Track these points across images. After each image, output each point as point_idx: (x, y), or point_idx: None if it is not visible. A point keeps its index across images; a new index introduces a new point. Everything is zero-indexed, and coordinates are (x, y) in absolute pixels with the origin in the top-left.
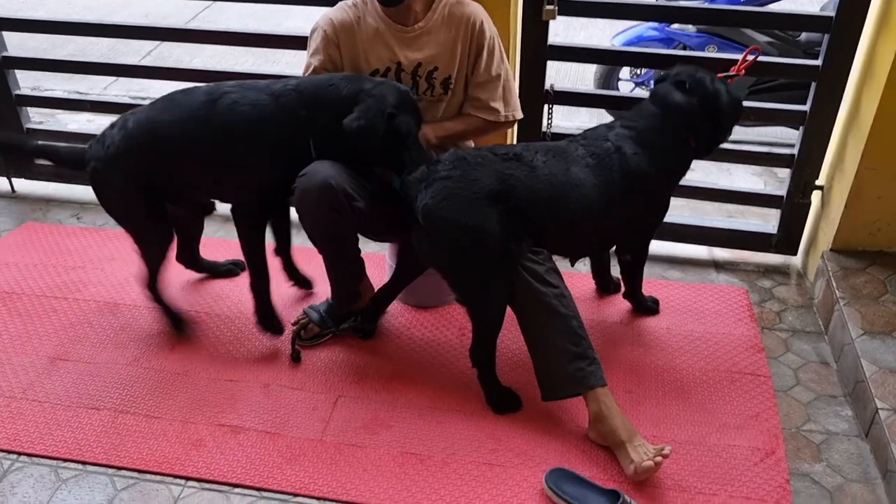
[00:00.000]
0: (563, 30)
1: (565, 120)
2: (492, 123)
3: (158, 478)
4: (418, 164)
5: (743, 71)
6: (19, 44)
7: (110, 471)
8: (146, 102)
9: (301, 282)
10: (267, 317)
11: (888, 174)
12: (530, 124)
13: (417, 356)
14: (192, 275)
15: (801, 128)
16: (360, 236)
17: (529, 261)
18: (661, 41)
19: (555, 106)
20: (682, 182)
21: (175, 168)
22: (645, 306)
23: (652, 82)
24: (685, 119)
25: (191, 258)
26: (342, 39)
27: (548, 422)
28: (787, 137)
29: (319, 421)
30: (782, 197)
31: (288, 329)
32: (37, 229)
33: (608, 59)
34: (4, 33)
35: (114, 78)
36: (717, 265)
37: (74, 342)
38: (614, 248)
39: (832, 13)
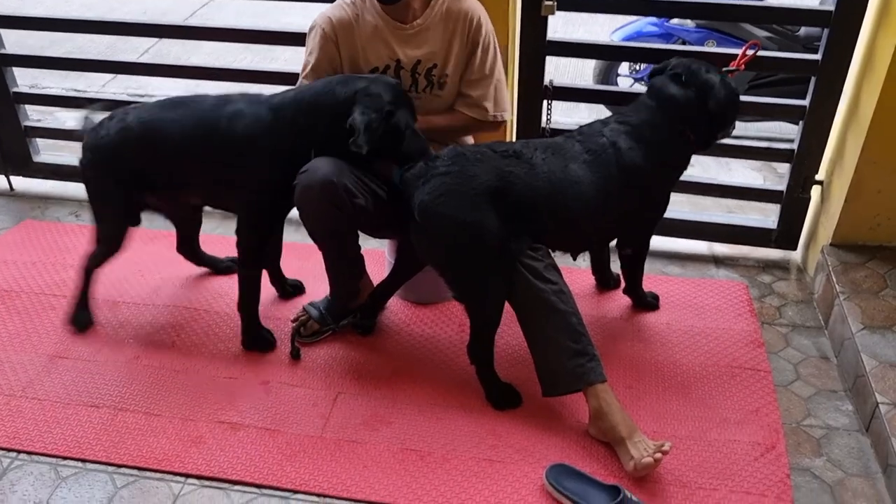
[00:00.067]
0: (563, 26)
1: (564, 116)
2: (479, 122)
3: (158, 475)
4: (417, 154)
5: (742, 66)
6: (17, 41)
7: (110, 468)
8: (144, 100)
9: (289, 292)
10: (253, 339)
11: (888, 168)
12: (529, 120)
13: (417, 353)
14: (193, 272)
15: (800, 122)
16: (359, 233)
17: (528, 257)
18: (661, 36)
19: (554, 101)
20: (682, 177)
21: (173, 167)
22: (645, 302)
23: (648, 76)
24: (681, 112)
25: (191, 251)
26: (341, 37)
27: (548, 418)
28: (787, 132)
29: (319, 417)
30: (782, 192)
31: (287, 326)
32: (35, 227)
33: (607, 55)
34: (2, 31)
35: (112, 75)
36: (717, 260)
37: (73, 340)
38: (615, 242)
39: (831, 7)
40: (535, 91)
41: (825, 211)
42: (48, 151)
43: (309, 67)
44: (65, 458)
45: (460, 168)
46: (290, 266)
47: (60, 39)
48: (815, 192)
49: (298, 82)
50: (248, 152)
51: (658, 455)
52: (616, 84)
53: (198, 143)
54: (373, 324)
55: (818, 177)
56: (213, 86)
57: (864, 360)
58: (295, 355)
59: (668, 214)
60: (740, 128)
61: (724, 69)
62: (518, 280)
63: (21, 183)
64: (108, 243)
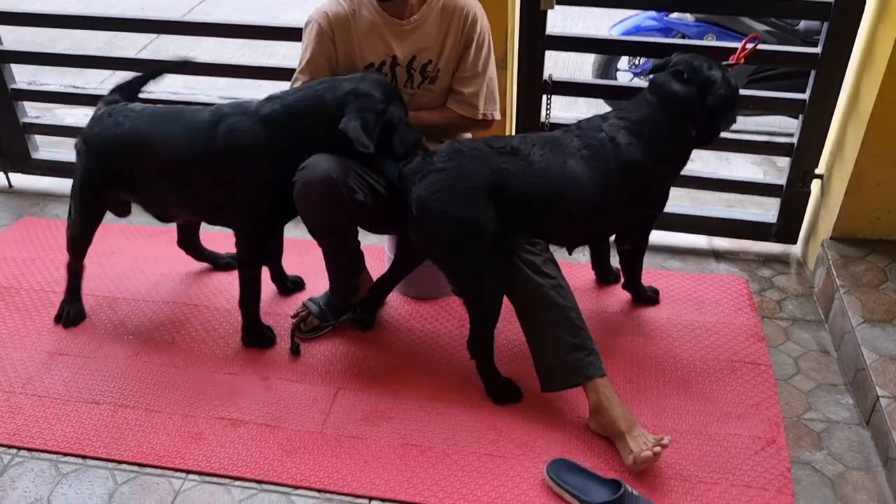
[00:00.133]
0: (562, 20)
1: (564, 111)
2: (468, 120)
3: (159, 471)
4: (412, 145)
5: (742, 59)
6: (16, 38)
7: (111, 465)
8: (143, 96)
9: (289, 288)
10: (253, 336)
11: (888, 161)
12: (529, 115)
13: (417, 348)
14: (193, 268)
15: (800, 116)
16: (359, 229)
17: (527, 252)
18: (660, 31)
19: (553, 96)
20: (682, 172)
21: (160, 184)
22: (645, 296)
23: (649, 71)
24: (683, 108)
25: (191, 245)
26: (337, 33)
27: (548, 412)
28: (786, 127)
29: (320, 413)
30: (782, 186)
31: (287, 322)
32: (34, 224)
33: (606, 49)
34: (0, 27)
35: (110, 72)
36: (717, 255)
37: (73, 337)
38: (614, 238)
39: (831, 0)
40: (534, 86)
41: (825, 205)
42: (47, 148)
43: (304, 63)
44: (65, 454)
45: (456, 164)
46: (290, 262)
47: (58, 36)
48: (815, 185)
49: (294, 77)
50: (242, 170)
51: (657, 449)
52: (615, 79)
53: (189, 165)
54: (373, 319)
55: (818, 170)
56: (212, 82)
57: (865, 354)
58: (295, 351)
59: (667, 209)
60: (740, 122)
61: (724, 63)
62: (516, 275)
63: (20, 180)
64: (84, 229)
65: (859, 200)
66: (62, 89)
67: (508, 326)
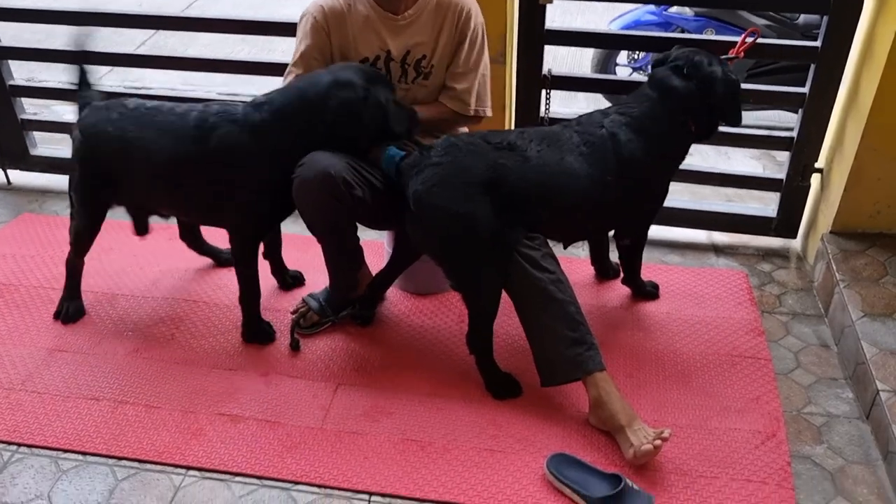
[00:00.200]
0: (560, 15)
1: (563, 106)
2: (459, 115)
3: (159, 467)
4: (407, 123)
5: (742, 53)
6: (13, 34)
7: (111, 461)
8: (142, 92)
9: (289, 283)
10: (253, 333)
11: (888, 155)
12: (528, 110)
13: (417, 343)
14: (192, 265)
15: (799, 110)
16: (358, 225)
17: (525, 247)
18: (659, 25)
19: (552, 91)
20: (682, 166)
21: (146, 188)
22: (644, 291)
23: (650, 66)
24: (683, 104)
25: (193, 239)
26: (332, 27)
27: (548, 407)
28: (786, 121)
29: (319, 409)
30: (781, 180)
31: (287, 318)
32: (33, 221)
33: (606, 44)
34: None
35: (109, 68)
36: (717, 249)
37: (72, 333)
38: (613, 233)
39: None
40: (533, 80)
41: (825, 199)
42: (45, 145)
43: (298, 56)
44: (65, 450)
45: (453, 159)
46: (289, 257)
47: (56, 32)
48: (815, 179)
49: (287, 70)
50: (233, 181)
51: (658, 442)
52: (614, 73)
53: (176, 171)
54: (372, 314)
55: (818, 165)
56: (210, 78)
57: (865, 348)
58: (295, 347)
59: (667, 203)
60: None
61: (724, 57)
62: (515, 269)
63: (18, 176)
64: (73, 229)
65: (859, 194)
66: (60, 85)
67: (508, 321)
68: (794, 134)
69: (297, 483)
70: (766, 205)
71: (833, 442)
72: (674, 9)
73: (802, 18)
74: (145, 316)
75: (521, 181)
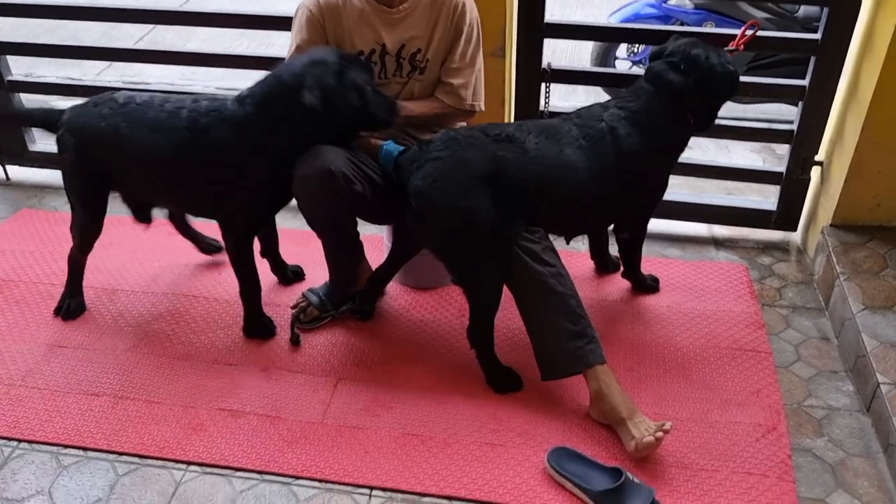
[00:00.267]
0: (560, 8)
1: (562, 100)
2: (455, 110)
3: (160, 462)
4: (386, 111)
5: (742, 46)
6: (11, 29)
7: (111, 456)
8: (139, 88)
9: (289, 278)
10: (254, 328)
11: (888, 148)
12: (527, 103)
13: (417, 337)
14: (192, 260)
15: (800, 103)
16: (358, 220)
17: (526, 240)
18: (659, 18)
19: (552, 84)
20: (681, 160)
21: (139, 183)
22: (644, 284)
23: (647, 59)
24: (681, 98)
25: (180, 220)
26: (327, 20)
27: (549, 401)
28: (786, 115)
29: (320, 404)
30: (781, 173)
31: (287, 313)
32: (32, 216)
33: (605, 37)
34: None
35: (107, 63)
36: (717, 242)
37: (72, 329)
38: (612, 227)
39: None
40: (533, 74)
41: (825, 192)
42: (44, 140)
43: (294, 49)
44: (66, 446)
45: (452, 152)
46: (289, 252)
47: (54, 27)
48: (815, 172)
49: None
50: (230, 176)
51: (659, 434)
52: (614, 66)
53: (168, 168)
54: (372, 309)
55: (818, 157)
56: (209, 72)
57: (865, 341)
58: (295, 342)
59: (667, 197)
60: (739, 110)
61: (724, 49)
62: (516, 263)
63: (17, 172)
64: (76, 228)
65: (859, 187)
66: (59, 81)
67: (508, 315)
68: (794, 127)
69: (297, 477)
70: (766, 198)
71: (833, 435)
72: (673, 1)
73: (802, 11)
74: (145, 311)
75: (520, 173)
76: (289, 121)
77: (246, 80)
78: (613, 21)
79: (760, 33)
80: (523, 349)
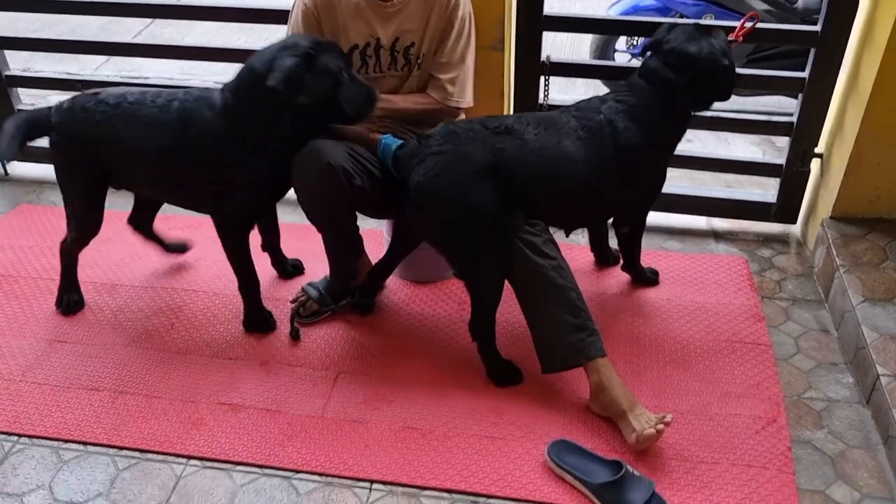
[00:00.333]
0: (559, 1)
1: (561, 93)
2: (439, 106)
3: (160, 457)
4: (363, 100)
5: (741, 38)
6: (9, 24)
7: (112, 451)
8: (138, 82)
9: (290, 272)
10: (254, 322)
11: (888, 140)
12: (526, 96)
13: (417, 331)
14: (191, 254)
15: (799, 95)
16: (357, 214)
17: (526, 233)
18: (658, 10)
19: (551, 77)
20: (681, 152)
21: (133, 176)
22: (644, 277)
23: (642, 46)
24: (678, 93)
25: (143, 223)
26: (322, 14)
27: (549, 394)
28: (786, 107)
29: (320, 397)
30: (781, 165)
31: (287, 307)
32: (31, 212)
33: (604, 29)
34: None
35: (105, 58)
36: (717, 235)
37: (72, 324)
38: (612, 220)
39: None
40: (532, 67)
41: (825, 184)
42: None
43: None
44: (66, 441)
45: (453, 146)
46: (289, 246)
47: (52, 22)
48: (815, 165)
49: None
50: (215, 164)
51: (660, 426)
52: (613, 59)
53: (160, 165)
54: (372, 303)
55: (818, 150)
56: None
57: (865, 333)
58: (294, 336)
59: (666, 189)
60: (739, 102)
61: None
62: (516, 255)
63: (16, 168)
64: (74, 226)
65: (859, 179)
66: (57, 76)
67: (508, 308)
68: (794, 119)
69: (298, 471)
70: (765, 190)
71: (833, 426)
72: None
73: (802, 2)
74: (145, 306)
75: (519, 164)
76: (263, 108)
77: None
78: (613, 13)
79: (760, 25)
80: (523, 342)
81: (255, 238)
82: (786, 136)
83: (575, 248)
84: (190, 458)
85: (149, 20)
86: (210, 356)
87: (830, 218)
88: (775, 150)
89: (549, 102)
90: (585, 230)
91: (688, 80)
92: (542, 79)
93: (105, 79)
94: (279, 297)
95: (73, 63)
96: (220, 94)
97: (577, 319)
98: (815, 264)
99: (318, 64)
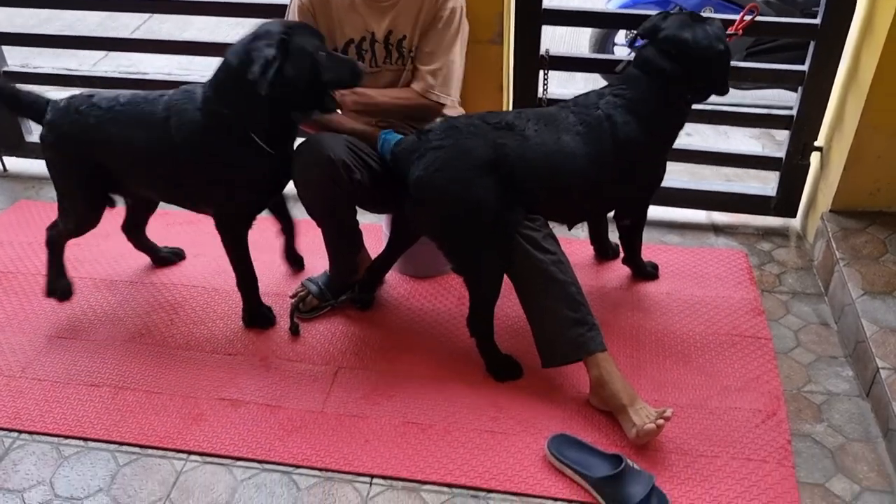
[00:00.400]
0: None
1: (561, 86)
2: (420, 100)
3: (160, 452)
4: (347, 77)
5: (741, 31)
6: (7, 19)
7: (112, 446)
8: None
9: (296, 263)
10: (254, 317)
11: (888, 133)
12: (526, 90)
13: (417, 326)
14: (192, 250)
15: (799, 88)
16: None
17: (526, 228)
18: (658, 3)
19: (550, 71)
20: (680, 146)
21: (128, 176)
22: (644, 271)
23: (638, 38)
24: (675, 84)
25: (136, 231)
26: (318, 9)
27: (549, 388)
28: (785, 100)
29: (320, 392)
30: (781, 159)
31: (286, 302)
32: (30, 208)
33: (604, 23)
34: None
35: (104, 53)
36: (717, 229)
37: (72, 320)
38: (612, 213)
39: None
40: (531, 61)
41: (824, 177)
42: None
43: None
44: (66, 437)
45: (454, 141)
46: None
47: (50, 17)
48: (815, 158)
49: None
50: (209, 166)
51: (660, 421)
52: (613, 53)
53: (152, 162)
54: (371, 298)
55: (817, 143)
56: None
57: (865, 326)
58: (294, 331)
59: (666, 183)
60: (738, 95)
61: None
62: (516, 250)
63: (14, 163)
64: (72, 220)
65: (859, 172)
66: (55, 71)
67: (508, 303)
68: (794, 112)
69: (298, 466)
70: (765, 184)
71: (833, 420)
72: None
73: None
74: (144, 302)
75: (520, 160)
76: (242, 100)
77: None
78: (612, 7)
79: (759, 18)
80: (523, 337)
81: (254, 235)
82: (785, 129)
83: (575, 242)
84: (190, 453)
85: (147, 15)
86: (210, 352)
87: (830, 211)
88: (775, 143)
89: (549, 96)
90: (585, 224)
91: (682, 69)
92: (541, 73)
93: (103, 74)
94: (279, 292)
95: (72, 59)
96: (202, 88)
97: (577, 314)
98: (815, 258)
99: (293, 45)
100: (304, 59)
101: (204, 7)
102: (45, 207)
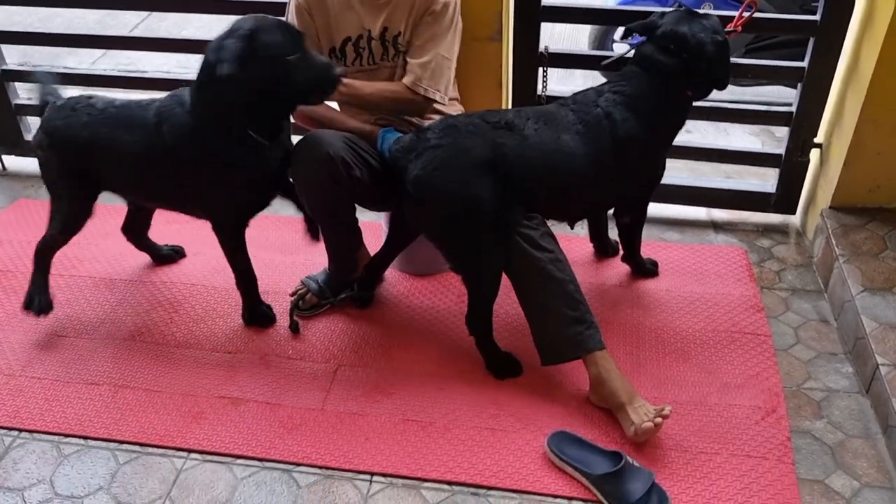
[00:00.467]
0: None
1: (560, 84)
2: (408, 95)
3: (161, 451)
4: (320, 81)
5: (740, 27)
6: (5, 17)
7: (112, 445)
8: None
9: (316, 237)
10: (253, 315)
11: (887, 129)
12: (524, 87)
13: (416, 324)
14: (191, 248)
15: (799, 85)
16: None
17: (524, 226)
18: (657, 0)
19: (549, 68)
20: (680, 143)
21: (122, 181)
22: (644, 268)
23: (636, 34)
24: (674, 79)
25: (137, 232)
26: (314, 8)
27: (549, 386)
28: (785, 97)
29: (320, 390)
30: (780, 155)
31: (286, 300)
32: (29, 206)
33: (603, 20)
34: None
35: (102, 51)
36: (716, 226)
37: (71, 319)
38: (612, 210)
39: None
40: (530, 58)
41: (824, 174)
42: None
43: None
44: (67, 435)
45: (453, 140)
46: (287, 240)
47: (49, 16)
48: (814, 155)
49: None
50: (198, 170)
51: (658, 420)
52: (612, 50)
53: (144, 167)
54: (371, 296)
55: (817, 139)
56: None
57: (864, 322)
58: (294, 329)
59: (666, 180)
60: (738, 92)
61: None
62: (514, 249)
63: (13, 162)
64: (58, 221)
65: (858, 169)
66: (54, 70)
67: (507, 301)
68: (794, 109)
69: (298, 464)
70: (765, 181)
71: (833, 416)
72: None
73: None
74: (144, 301)
75: (519, 160)
76: (220, 99)
77: None
78: (611, 3)
79: (758, 14)
80: (522, 334)
81: (252, 232)
82: (785, 125)
83: (574, 239)
84: (190, 451)
85: (145, 13)
86: (210, 350)
87: (830, 208)
88: (774, 140)
89: (548, 93)
90: (585, 221)
91: (681, 64)
92: (540, 70)
93: (102, 73)
94: (278, 290)
95: (70, 57)
96: (189, 89)
97: (576, 312)
98: (815, 254)
99: (257, 43)
100: (270, 58)
101: (203, 5)
102: (44, 206)
